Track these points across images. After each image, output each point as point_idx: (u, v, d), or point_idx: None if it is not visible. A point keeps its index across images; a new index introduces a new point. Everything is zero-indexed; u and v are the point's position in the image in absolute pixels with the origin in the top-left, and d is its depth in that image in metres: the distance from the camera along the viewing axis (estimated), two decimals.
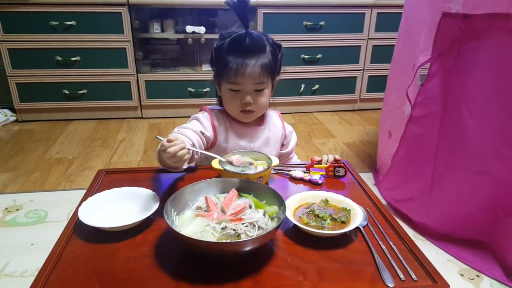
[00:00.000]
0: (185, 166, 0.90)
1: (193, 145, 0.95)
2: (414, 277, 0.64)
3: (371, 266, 0.66)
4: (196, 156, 0.98)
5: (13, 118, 2.46)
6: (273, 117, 1.12)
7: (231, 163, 0.77)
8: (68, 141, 2.19)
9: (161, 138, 0.78)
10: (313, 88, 2.68)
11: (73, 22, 2.26)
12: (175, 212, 0.70)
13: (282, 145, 1.14)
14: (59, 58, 2.32)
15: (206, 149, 1.02)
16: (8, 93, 2.37)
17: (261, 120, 1.09)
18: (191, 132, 0.97)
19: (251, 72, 0.93)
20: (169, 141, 0.78)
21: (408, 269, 0.66)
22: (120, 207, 0.79)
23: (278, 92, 2.56)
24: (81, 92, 2.42)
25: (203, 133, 1.00)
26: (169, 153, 0.77)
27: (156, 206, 0.76)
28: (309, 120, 2.63)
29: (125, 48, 2.37)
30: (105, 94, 2.46)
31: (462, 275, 1.22)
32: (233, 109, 1.01)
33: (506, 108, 1.12)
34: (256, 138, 1.07)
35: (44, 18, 2.23)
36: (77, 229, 0.74)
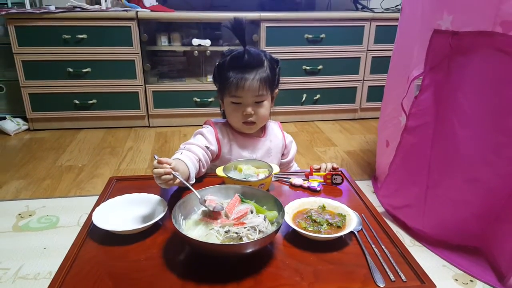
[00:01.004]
0: (192, 181, 0.93)
1: (199, 160, 0.99)
2: (403, 278, 0.68)
3: (363, 268, 0.70)
4: (203, 170, 1.02)
5: (25, 127, 2.53)
6: (274, 128, 1.18)
7: (205, 201, 0.77)
8: (78, 149, 2.25)
9: (156, 157, 0.81)
10: (314, 98, 2.73)
11: (84, 36, 2.34)
12: (182, 217, 0.75)
13: (283, 154, 1.19)
14: (71, 70, 2.40)
15: (211, 161, 1.07)
16: (21, 103, 2.44)
17: (262, 131, 1.14)
18: (196, 147, 1.02)
19: (250, 85, 1.00)
20: (159, 162, 0.80)
21: (398, 270, 0.69)
22: (130, 212, 0.82)
23: (281, 102, 2.66)
24: (91, 102, 2.49)
25: (208, 148, 1.04)
26: (154, 174, 0.79)
27: (164, 211, 0.79)
28: (310, 128, 2.67)
29: (133, 60, 2.44)
30: (114, 104, 2.53)
31: (456, 280, 1.25)
32: (236, 121, 1.07)
33: (493, 118, 1.16)
34: (258, 149, 1.12)
35: (57, 31, 2.31)
36: (91, 232, 0.78)
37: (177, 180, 0.81)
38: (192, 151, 1.00)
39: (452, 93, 1.24)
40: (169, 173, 0.79)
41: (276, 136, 1.16)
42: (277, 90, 1.11)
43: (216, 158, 1.10)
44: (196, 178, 0.95)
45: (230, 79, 1.00)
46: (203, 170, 1.02)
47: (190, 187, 0.80)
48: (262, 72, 1.01)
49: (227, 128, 1.11)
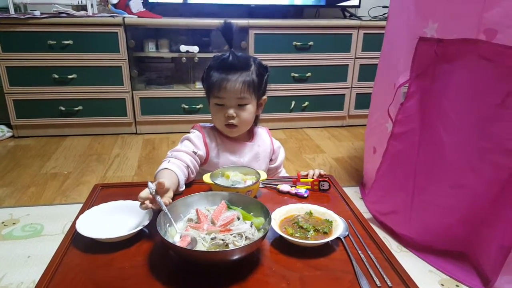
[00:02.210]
0: (182, 188, 0.94)
1: (188, 167, 0.99)
2: (389, 283, 0.68)
3: (350, 273, 0.70)
4: (192, 176, 1.02)
5: (10, 134, 2.48)
6: (262, 133, 1.18)
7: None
8: (63, 157, 2.22)
9: (151, 187, 0.79)
10: (303, 105, 2.74)
11: (70, 42, 2.32)
12: (168, 224, 0.74)
13: (271, 160, 1.19)
14: (56, 76, 2.37)
15: (199, 166, 1.07)
16: (5, 110, 2.40)
17: (250, 136, 1.15)
18: (184, 154, 1.02)
19: (232, 86, 1.00)
20: (160, 185, 0.78)
21: (384, 276, 0.70)
22: (115, 220, 0.81)
23: (270, 109, 2.67)
24: (76, 108, 2.46)
25: (195, 153, 1.04)
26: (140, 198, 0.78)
27: (149, 218, 0.79)
28: (299, 135, 2.68)
29: (120, 66, 2.43)
30: (101, 110, 2.51)
31: (442, 285, 1.26)
32: (218, 123, 1.07)
33: (477, 125, 1.18)
34: (245, 154, 1.12)
35: (42, 37, 2.29)
36: (74, 240, 0.77)
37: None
38: (179, 158, 0.99)
39: (437, 100, 1.27)
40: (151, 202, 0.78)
41: (264, 141, 1.17)
42: (265, 97, 1.11)
43: (205, 162, 1.09)
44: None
45: (213, 79, 1.02)
46: (192, 176, 1.02)
47: (170, 216, 0.76)
48: (247, 75, 1.02)
49: (215, 132, 1.11)
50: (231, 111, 1.03)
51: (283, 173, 1.26)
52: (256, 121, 1.14)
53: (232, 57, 1.01)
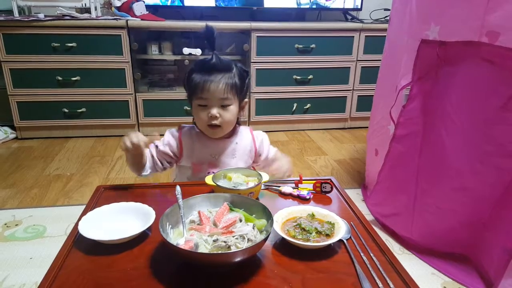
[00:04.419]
0: (146, 172, 1.10)
1: (152, 156, 1.12)
2: (391, 286, 0.67)
3: (352, 276, 0.70)
4: (160, 165, 1.13)
5: (13, 136, 2.50)
6: (243, 131, 1.18)
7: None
8: (66, 158, 2.23)
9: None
10: (305, 107, 2.75)
11: (74, 44, 2.33)
12: (170, 226, 0.74)
13: (260, 155, 1.19)
14: (60, 78, 2.38)
15: (176, 160, 1.15)
16: (9, 111, 2.41)
17: (229, 133, 1.15)
18: (152, 147, 1.14)
19: (216, 87, 1.03)
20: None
21: (387, 279, 0.69)
22: (118, 221, 0.81)
23: (272, 111, 2.68)
24: (80, 110, 2.47)
25: (157, 146, 1.12)
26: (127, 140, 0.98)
27: (152, 220, 0.79)
28: (301, 137, 2.68)
29: (124, 69, 2.44)
30: (104, 112, 2.52)
31: (445, 287, 1.26)
32: (201, 124, 1.09)
33: (480, 127, 1.18)
34: (220, 149, 1.13)
35: (46, 39, 2.30)
36: (77, 242, 0.77)
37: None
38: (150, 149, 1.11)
39: (439, 102, 1.27)
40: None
41: (244, 138, 1.17)
42: (246, 100, 1.14)
43: (180, 157, 1.14)
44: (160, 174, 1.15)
45: (196, 80, 1.04)
46: (159, 164, 1.13)
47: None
48: (229, 77, 1.05)
49: (194, 129, 1.15)
50: (215, 111, 1.04)
51: (274, 151, 1.22)
52: (238, 122, 1.16)
53: (215, 59, 1.04)
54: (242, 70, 1.10)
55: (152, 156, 1.11)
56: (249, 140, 1.18)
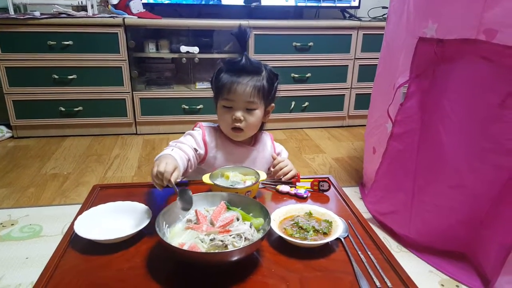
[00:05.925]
0: (179, 179, 0.94)
1: (188, 160, 1.00)
2: (389, 284, 0.68)
3: (350, 274, 0.70)
4: (190, 170, 1.02)
5: (9, 135, 2.48)
6: (265, 139, 1.18)
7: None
8: (63, 157, 2.22)
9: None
10: (303, 105, 2.75)
11: (70, 42, 2.32)
12: (167, 225, 0.74)
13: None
14: (56, 77, 2.37)
15: (197, 164, 1.07)
16: (5, 110, 2.40)
17: (252, 141, 1.14)
18: (187, 147, 1.02)
19: (243, 89, 1.00)
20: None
21: (384, 277, 0.69)
22: (114, 221, 0.81)
23: None
24: (76, 109, 2.46)
25: (196, 150, 1.05)
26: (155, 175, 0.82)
27: (148, 219, 0.79)
28: (299, 136, 2.68)
29: (121, 67, 2.43)
30: (101, 111, 2.51)
31: (442, 285, 1.25)
32: (224, 125, 1.07)
33: (477, 125, 1.18)
34: (243, 157, 1.12)
35: (41, 38, 2.28)
36: (72, 241, 0.76)
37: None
38: (183, 150, 1.00)
39: (437, 100, 1.27)
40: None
41: (266, 147, 1.16)
42: (273, 105, 1.12)
43: (202, 161, 1.10)
44: (180, 182, 0.96)
45: (224, 81, 1.02)
46: (190, 170, 1.03)
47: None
48: (257, 80, 1.02)
49: (217, 132, 1.11)
50: (239, 114, 1.03)
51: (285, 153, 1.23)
52: (262, 127, 1.14)
53: (245, 60, 1.02)
54: (272, 73, 1.07)
55: (189, 160, 1.02)
56: (269, 149, 1.17)
